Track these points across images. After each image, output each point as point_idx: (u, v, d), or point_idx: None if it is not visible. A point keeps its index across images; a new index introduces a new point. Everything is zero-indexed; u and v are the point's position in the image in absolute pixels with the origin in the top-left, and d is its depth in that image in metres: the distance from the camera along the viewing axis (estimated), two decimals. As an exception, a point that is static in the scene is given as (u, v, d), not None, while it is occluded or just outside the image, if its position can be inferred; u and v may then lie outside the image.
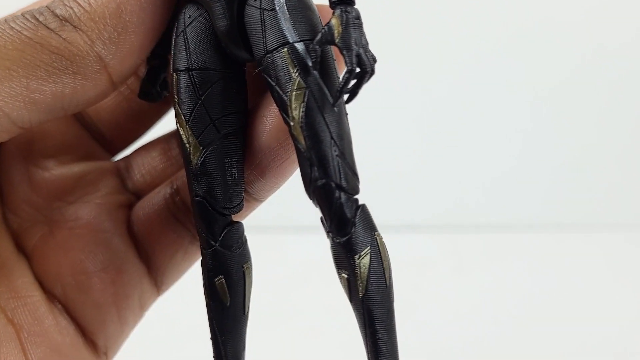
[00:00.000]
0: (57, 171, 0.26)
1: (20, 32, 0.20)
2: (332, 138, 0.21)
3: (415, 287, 0.66)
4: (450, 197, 0.82)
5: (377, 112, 0.75)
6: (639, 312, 0.68)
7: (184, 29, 0.24)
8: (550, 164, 0.84)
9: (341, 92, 0.21)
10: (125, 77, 0.23)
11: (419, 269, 0.70)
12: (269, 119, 0.24)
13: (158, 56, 0.26)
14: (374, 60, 0.21)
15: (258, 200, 0.26)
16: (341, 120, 0.22)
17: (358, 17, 0.21)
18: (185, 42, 0.23)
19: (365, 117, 0.75)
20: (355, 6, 0.22)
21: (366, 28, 0.22)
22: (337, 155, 0.21)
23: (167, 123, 0.29)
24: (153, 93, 0.27)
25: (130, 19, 0.21)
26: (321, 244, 0.27)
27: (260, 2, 0.22)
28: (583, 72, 0.82)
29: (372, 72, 0.21)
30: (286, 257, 0.71)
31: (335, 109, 0.21)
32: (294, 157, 0.23)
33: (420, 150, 0.81)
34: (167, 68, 0.26)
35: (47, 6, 0.21)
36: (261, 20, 0.22)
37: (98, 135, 0.28)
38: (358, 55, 0.21)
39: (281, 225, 0.72)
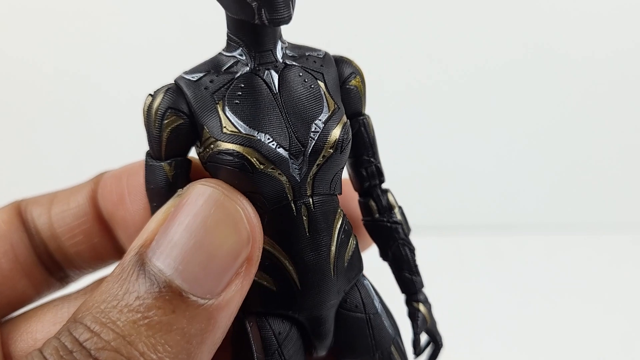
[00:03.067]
0: None
1: None
2: None
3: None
4: (452, 199, 0.82)
5: (380, 115, 0.75)
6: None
7: (278, 347, 0.23)
8: (552, 165, 0.84)
9: None
10: None
11: (421, 271, 0.70)
12: None
13: None
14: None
15: None
16: None
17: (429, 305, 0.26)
18: None
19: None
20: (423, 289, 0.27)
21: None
22: None
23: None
24: None
25: None
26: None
27: (364, 308, 0.24)
28: (585, 75, 0.82)
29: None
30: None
31: None
32: None
33: (421, 151, 0.81)
34: None
35: (86, 346, 0.18)
36: (368, 325, 0.24)
37: None
38: (440, 337, 0.26)
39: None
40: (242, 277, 0.20)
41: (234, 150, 0.22)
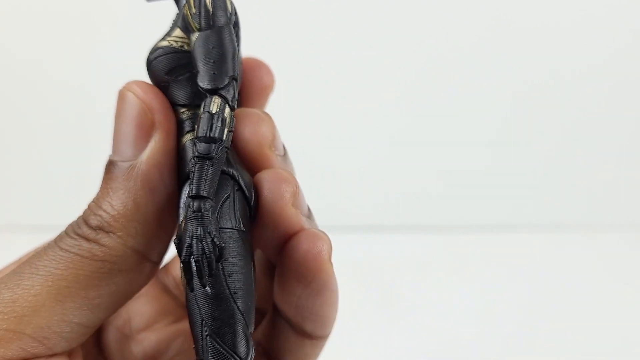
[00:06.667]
0: (152, 338, 0.29)
1: (69, 252, 0.22)
2: (202, 320, 0.23)
3: (414, 287, 0.67)
4: (449, 197, 0.83)
5: (371, 111, 0.76)
6: (639, 312, 0.68)
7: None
8: (549, 163, 0.85)
9: (190, 282, 0.22)
10: (164, 252, 0.25)
11: (418, 270, 0.70)
12: None
13: None
14: (211, 247, 0.22)
15: None
16: (215, 298, 0.23)
17: (195, 210, 0.23)
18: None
19: (360, 117, 0.75)
20: (197, 202, 0.23)
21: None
22: (207, 335, 0.22)
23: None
24: None
25: (145, 209, 0.23)
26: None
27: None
28: (581, 70, 0.82)
29: (208, 258, 0.22)
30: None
31: (207, 289, 0.23)
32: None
33: (417, 150, 0.81)
34: None
35: (82, 217, 0.23)
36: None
37: None
38: (189, 247, 0.22)
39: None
40: (152, 141, 0.24)
41: None
